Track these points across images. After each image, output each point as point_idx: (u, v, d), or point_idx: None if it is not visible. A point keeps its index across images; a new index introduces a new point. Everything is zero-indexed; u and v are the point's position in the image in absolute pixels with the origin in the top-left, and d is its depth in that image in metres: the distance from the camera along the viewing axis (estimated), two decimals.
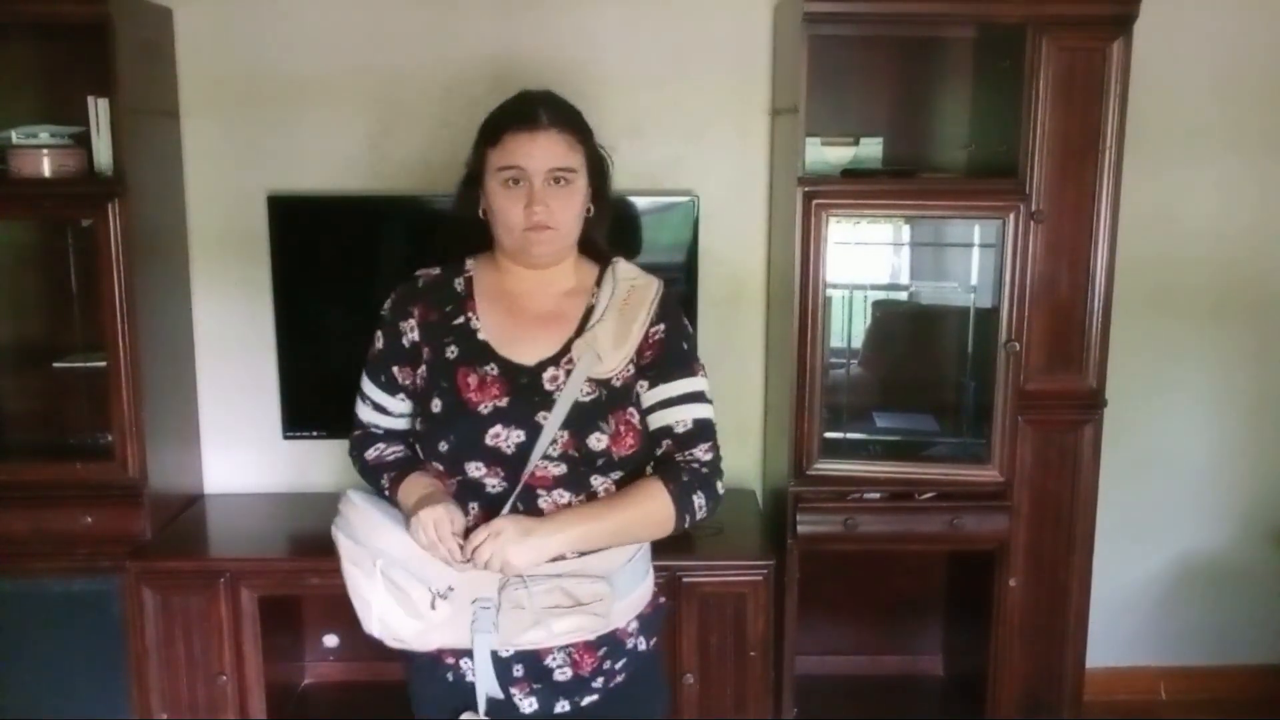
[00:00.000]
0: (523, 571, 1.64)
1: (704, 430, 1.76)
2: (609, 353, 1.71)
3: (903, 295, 2.96)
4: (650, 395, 1.75)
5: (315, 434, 2.91)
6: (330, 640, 3.10)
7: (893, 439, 2.83)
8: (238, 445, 3.05)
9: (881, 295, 2.93)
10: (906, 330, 3.00)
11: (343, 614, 3.06)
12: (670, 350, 1.76)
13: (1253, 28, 2.97)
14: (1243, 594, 3.23)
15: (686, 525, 1.73)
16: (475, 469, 1.70)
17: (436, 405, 1.73)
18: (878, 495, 2.69)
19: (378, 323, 1.83)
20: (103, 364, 2.62)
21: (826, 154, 2.74)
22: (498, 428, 1.69)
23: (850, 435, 2.80)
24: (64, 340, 2.82)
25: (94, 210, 2.54)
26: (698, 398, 1.77)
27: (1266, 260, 3.08)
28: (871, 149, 2.79)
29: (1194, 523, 3.21)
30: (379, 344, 1.82)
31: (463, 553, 1.63)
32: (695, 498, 1.73)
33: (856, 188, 2.64)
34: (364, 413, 1.86)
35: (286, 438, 2.91)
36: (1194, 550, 3.22)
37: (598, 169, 1.77)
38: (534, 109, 1.70)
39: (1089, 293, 2.64)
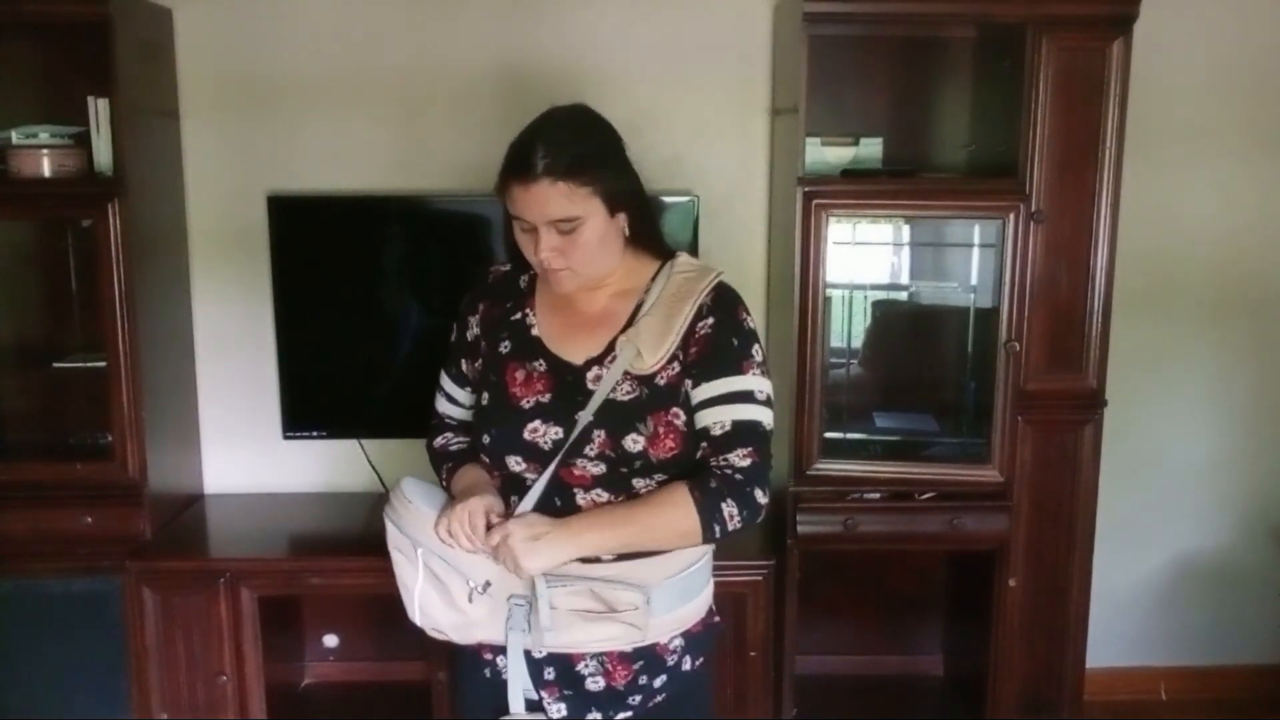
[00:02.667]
0: (536, 575, 1.62)
1: (744, 433, 1.66)
2: (650, 348, 1.67)
3: (903, 295, 2.95)
4: (694, 395, 1.68)
5: (315, 434, 2.92)
6: (330, 640, 3.10)
7: (893, 439, 2.83)
8: (238, 445, 3.05)
9: (881, 295, 2.92)
10: (906, 330, 3.00)
11: (343, 614, 3.12)
12: (716, 346, 1.68)
13: (1252, 28, 2.96)
14: (1243, 594, 3.23)
15: (718, 535, 1.65)
16: (515, 463, 1.71)
17: (485, 398, 1.75)
18: (878, 495, 2.69)
19: (456, 317, 1.85)
20: (103, 364, 2.61)
21: (826, 154, 2.74)
22: (537, 423, 1.69)
23: (850, 435, 2.80)
24: (64, 340, 2.81)
25: (94, 210, 2.54)
26: (743, 398, 1.67)
27: (1266, 260, 3.08)
28: (871, 149, 2.78)
29: (1194, 523, 3.21)
30: (453, 337, 1.85)
31: (485, 542, 1.64)
32: (725, 506, 1.63)
33: (856, 188, 2.63)
34: (440, 404, 1.89)
35: (286, 438, 2.91)
36: (1194, 550, 3.22)
37: (622, 191, 1.68)
38: (529, 157, 1.61)
39: (1089, 293, 2.64)
